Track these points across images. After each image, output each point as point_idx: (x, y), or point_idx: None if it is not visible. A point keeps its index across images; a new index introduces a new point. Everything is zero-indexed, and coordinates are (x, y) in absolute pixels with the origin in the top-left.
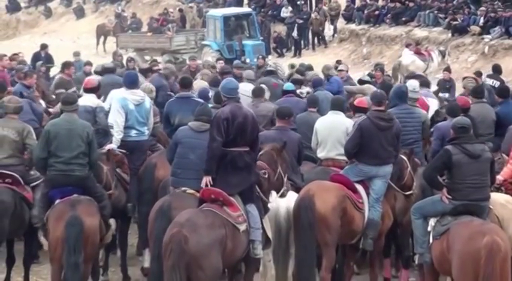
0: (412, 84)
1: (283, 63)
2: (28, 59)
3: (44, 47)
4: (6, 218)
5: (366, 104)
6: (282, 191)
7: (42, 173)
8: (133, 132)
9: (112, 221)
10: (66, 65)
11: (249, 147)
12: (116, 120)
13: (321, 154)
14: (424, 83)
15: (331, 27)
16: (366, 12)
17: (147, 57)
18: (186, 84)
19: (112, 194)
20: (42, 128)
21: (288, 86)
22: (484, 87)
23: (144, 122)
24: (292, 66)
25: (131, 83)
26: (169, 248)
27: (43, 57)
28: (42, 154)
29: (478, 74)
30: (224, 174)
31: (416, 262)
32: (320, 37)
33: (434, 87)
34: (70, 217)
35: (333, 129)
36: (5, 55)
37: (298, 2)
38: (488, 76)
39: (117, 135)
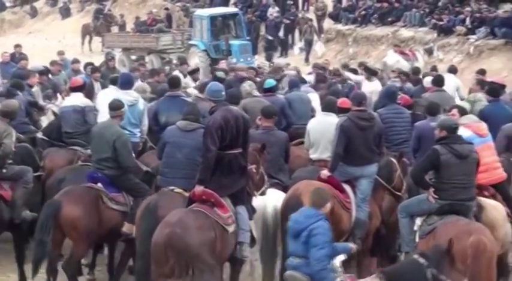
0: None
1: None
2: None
3: (16, 46)
4: None
5: (348, 104)
6: (262, 189)
7: None
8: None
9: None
10: None
11: (242, 148)
12: None
13: (313, 155)
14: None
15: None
16: (356, 13)
17: (134, 57)
18: (175, 84)
19: None
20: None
21: (269, 83)
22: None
23: (136, 123)
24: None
25: (125, 84)
26: (169, 247)
27: (17, 57)
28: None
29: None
30: (218, 176)
31: None
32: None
33: None
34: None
35: (325, 131)
36: None
37: (288, 1)
38: None
39: None
